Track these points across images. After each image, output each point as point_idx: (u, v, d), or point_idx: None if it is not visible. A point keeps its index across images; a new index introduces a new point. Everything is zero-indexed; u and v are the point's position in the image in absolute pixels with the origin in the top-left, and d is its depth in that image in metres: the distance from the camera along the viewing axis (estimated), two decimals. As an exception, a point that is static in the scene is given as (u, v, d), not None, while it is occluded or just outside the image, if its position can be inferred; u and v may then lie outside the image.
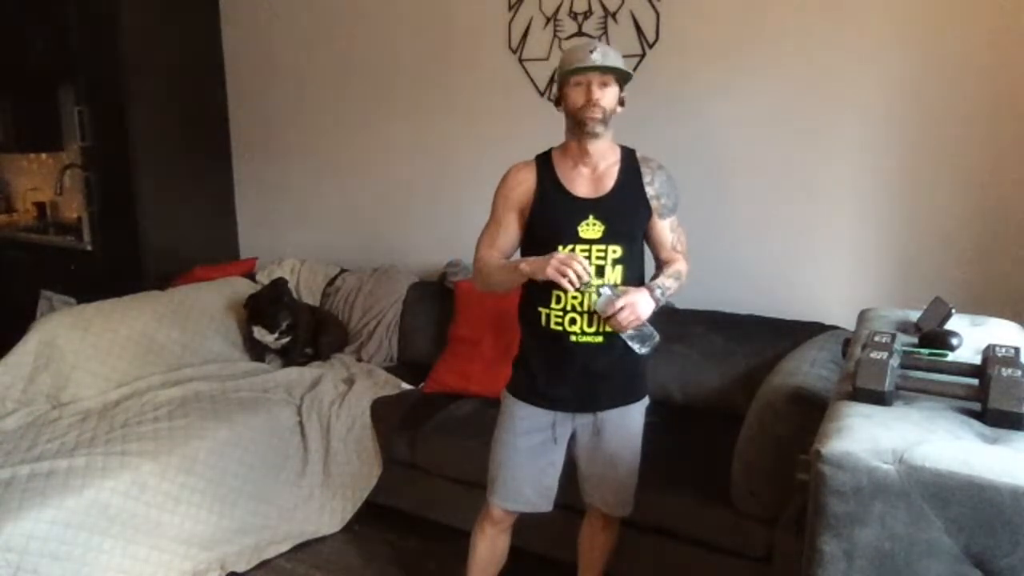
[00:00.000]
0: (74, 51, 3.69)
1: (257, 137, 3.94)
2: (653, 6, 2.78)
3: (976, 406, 1.15)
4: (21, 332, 2.82)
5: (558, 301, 1.80)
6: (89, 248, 3.90)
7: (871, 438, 1.05)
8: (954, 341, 1.39)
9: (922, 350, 1.39)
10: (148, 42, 3.58)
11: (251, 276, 3.59)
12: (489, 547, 2.03)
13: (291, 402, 2.80)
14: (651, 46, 2.81)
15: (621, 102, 1.81)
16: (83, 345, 2.78)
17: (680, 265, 1.91)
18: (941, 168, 2.43)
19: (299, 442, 2.71)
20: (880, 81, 2.47)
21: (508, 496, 1.94)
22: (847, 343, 1.59)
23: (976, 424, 1.11)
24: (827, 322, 2.54)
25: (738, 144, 2.72)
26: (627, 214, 1.82)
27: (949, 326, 1.46)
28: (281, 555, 2.56)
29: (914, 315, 1.60)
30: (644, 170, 1.85)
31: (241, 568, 2.46)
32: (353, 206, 3.69)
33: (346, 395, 2.81)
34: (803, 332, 2.48)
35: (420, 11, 3.29)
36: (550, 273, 1.67)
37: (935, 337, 1.42)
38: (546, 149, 1.90)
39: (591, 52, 1.72)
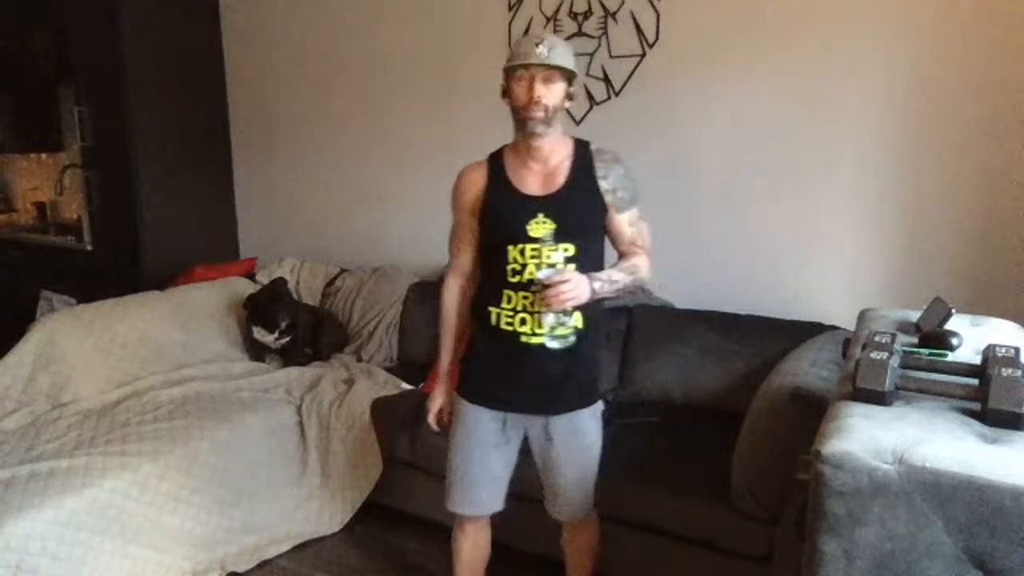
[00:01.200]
0: (74, 51, 3.70)
1: (257, 137, 3.94)
2: (653, 6, 2.78)
3: (976, 406, 1.15)
4: (21, 332, 2.82)
5: (508, 301, 1.77)
6: (89, 248, 3.91)
7: (871, 438, 1.05)
8: (954, 341, 1.39)
9: (922, 350, 1.39)
10: (148, 42, 3.59)
11: (251, 276, 3.59)
12: (471, 546, 2.03)
13: (291, 402, 2.80)
14: (651, 46, 2.81)
15: (570, 97, 1.76)
16: (83, 345, 2.78)
17: (638, 260, 1.84)
18: (941, 168, 2.43)
19: (299, 442, 2.71)
20: (881, 81, 2.47)
21: (463, 501, 1.93)
22: (847, 343, 1.59)
23: (976, 424, 1.11)
24: (827, 322, 2.54)
25: (738, 144, 2.72)
26: (579, 211, 1.77)
27: (949, 326, 1.46)
28: (281, 555, 2.57)
29: (914, 315, 1.60)
30: (598, 164, 1.79)
31: (241, 568, 2.46)
32: (353, 206, 3.69)
33: (346, 395, 2.81)
34: (803, 332, 2.48)
35: (420, 11, 3.29)
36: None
37: (935, 337, 1.42)
38: (499, 147, 1.87)
39: (537, 46, 1.67)
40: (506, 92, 1.76)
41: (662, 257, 2.91)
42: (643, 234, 1.87)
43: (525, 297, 1.74)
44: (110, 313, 2.93)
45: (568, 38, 2.95)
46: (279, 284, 3.24)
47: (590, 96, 2.95)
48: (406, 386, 2.94)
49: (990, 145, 2.36)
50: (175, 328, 3.04)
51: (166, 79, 3.69)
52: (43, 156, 4.71)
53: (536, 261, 1.72)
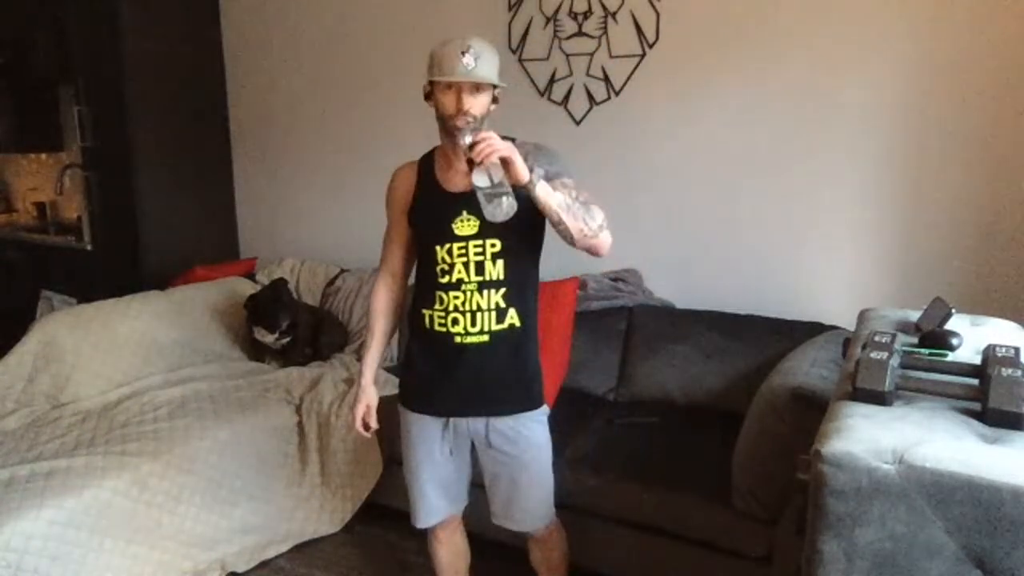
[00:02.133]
0: (74, 51, 3.69)
1: (257, 137, 3.94)
2: (653, 6, 2.78)
3: (976, 406, 1.15)
4: (21, 332, 2.82)
5: (440, 302, 1.75)
6: (89, 248, 3.90)
7: (871, 438, 1.05)
8: (954, 341, 1.39)
9: (922, 350, 1.39)
10: (148, 42, 3.58)
11: (251, 276, 3.59)
12: (448, 551, 2.03)
13: (291, 402, 2.80)
14: (651, 46, 2.81)
15: (495, 99, 1.74)
16: (83, 345, 2.78)
17: (593, 207, 1.68)
18: (941, 168, 2.44)
19: (299, 442, 2.71)
20: (881, 81, 2.47)
21: (426, 515, 1.92)
22: (847, 343, 1.59)
23: (976, 424, 1.11)
24: (827, 322, 2.54)
25: (738, 144, 2.72)
26: None
27: (949, 326, 1.46)
28: (281, 555, 2.57)
29: (914, 315, 1.60)
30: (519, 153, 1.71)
31: (241, 568, 2.46)
32: (353, 206, 3.69)
33: (346, 395, 2.81)
34: (803, 332, 2.48)
35: (420, 11, 3.29)
36: None
37: (935, 337, 1.42)
38: (430, 149, 1.86)
39: (462, 55, 1.62)
40: (429, 97, 1.74)
41: (663, 257, 2.94)
42: (590, 199, 1.70)
43: (456, 297, 1.73)
44: (110, 313, 2.93)
45: (568, 38, 2.95)
46: (279, 285, 3.23)
47: (590, 96, 2.95)
48: (406, 386, 2.93)
49: (990, 145, 2.36)
50: (175, 328, 3.04)
51: (166, 79, 3.68)
52: (43, 156, 4.70)
53: (463, 260, 1.71)
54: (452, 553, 2.04)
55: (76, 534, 2.07)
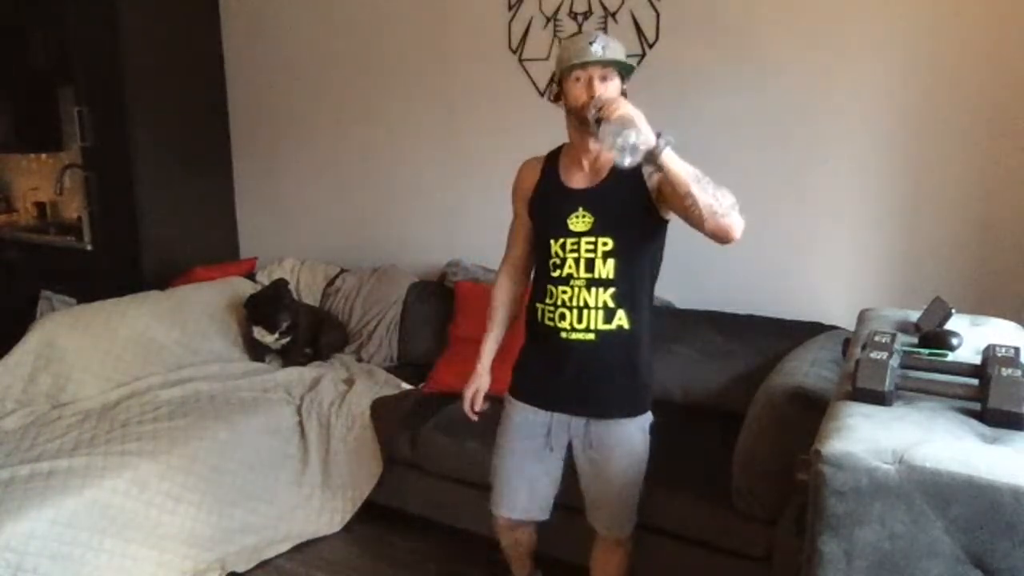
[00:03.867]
0: (74, 51, 3.69)
1: (257, 137, 3.94)
2: (653, 6, 2.78)
3: (976, 406, 1.15)
4: (21, 332, 2.81)
5: (550, 296, 1.78)
6: (89, 248, 3.90)
7: (871, 438, 1.05)
8: (954, 341, 1.39)
9: (922, 350, 1.39)
10: (148, 42, 3.58)
11: (251, 276, 3.58)
12: (511, 544, 2.07)
13: (291, 402, 2.80)
14: (651, 46, 2.81)
15: (623, 94, 1.74)
16: (83, 345, 2.78)
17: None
18: (941, 168, 2.43)
19: (299, 442, 2.70)
20: (881, 82, 2.47)
21: (503, 504, 1.93)
22: (847, 343, 1.59)
23: (976, 424, 1.11)
24: (827, 322, 2.54)
25: (738, 144, 2.72)
26: (619, 203, 1.74)
27: (949, 326, 1.46)
28: (281, 555, 2.56)
29: (914, 315, 1.60)
30: None
31: (241, 568, 2.46)
32: (353, 206, 3.69)
33: (346, 395, 2.81)
34: (803, 332, 2.48)
35: (420, 11, 3.29)
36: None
37: (935, 337, 1.42)
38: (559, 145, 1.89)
39: (591, 44, 1.66)
40: (559, 95, 1.76)
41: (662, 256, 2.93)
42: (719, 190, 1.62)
43: (564, 292, 1.75)
44: (110, 313, 2.93)
45: (568, 38, 2.95)
46: (280, 285, 3.24)
47: (590, 96, 2.95)
48: (406, 386, 2.94)
49: (990, 145, 2.36)
50: (175, 328, 3.04)
51: (166, 79, 3.68)
52: (43, 156, 4.70)
53: (575, 255, 1.73)
54: (512, 546, 2.07)
55: (76, 534, 2.07)
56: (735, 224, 1.60)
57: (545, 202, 1.83)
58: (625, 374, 1.80)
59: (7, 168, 4.96)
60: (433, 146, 3.38)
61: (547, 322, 1.79)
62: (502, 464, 1.92)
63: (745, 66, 2.66)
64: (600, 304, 1.73)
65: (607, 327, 1.75)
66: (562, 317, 1.76)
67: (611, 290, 1.73)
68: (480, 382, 1.98)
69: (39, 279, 4.09)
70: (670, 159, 1.55)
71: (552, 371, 1.81)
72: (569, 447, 1.88)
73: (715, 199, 1.57)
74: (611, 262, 1.73)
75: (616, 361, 1.78)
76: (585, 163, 1.79)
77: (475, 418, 1.99)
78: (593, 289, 1.73)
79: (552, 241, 1.77)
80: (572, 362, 1.77)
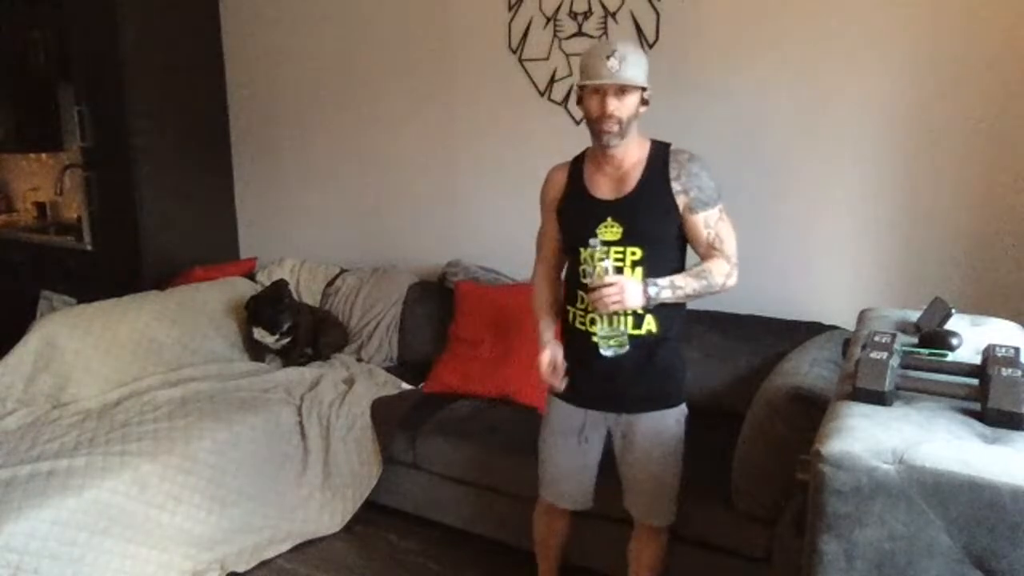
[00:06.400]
0: (74, 51, 3.70)
1: (257, 137, 3.94)
2: (653, 6, 2.78)
3: (976, 406, 1.15)
4: (21, 332, 2.81)
5: (581, 301, 1.82)
6: (89, 248, 3.91)
7: (871, 438, 1.05)
8: (954, 341, 1.39)
9: (922, 350, 1.39)
10: (148, 42, 3.58)
11: (251, 276, 3.59)
12: (545, 527, 2.10)
13: (291, 402, 2.80)
14: (651, 46, 2.81)
15: (644, 102, 1.78)
16: (83, 345, 2.78)
17: (712, 264, 1.81)
18: (941, 168, 2.43)
19: (299, 442, 2.70)
20: (882, 81, 2.47)
21: (550, 491, 2.00)
22: (847, 343, 1.59)
23: (976, 424, 1.11)
24: (827, 322, 2.54)
25: (738, 144, 2.72)
26: (648, 214, 1.78)
27: (949, 326, 1.46)
28: (281, 555, 2.56)
29: (914, 315, 1.60)
30: (672, 164, 1.79)
31: (241, 568, 2.46)
32: (353, 206, 3.69)
33: (346, 395, 2.81)
34: (803, 332, 2.48)
35: (420, 11, 3.29)
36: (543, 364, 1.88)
37: (935, 337, 1.42)
38: (583, 150, 1.91)
39: (607, 59, 1.67)
40: (580, 101, 1.79)
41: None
42: (722, 236, 1.84)
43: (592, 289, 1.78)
44: (110, 313, 2.93)
45: (568, 38, 2.95)
46: (280, 286, 3.24)
47: (590, 96, 2.95)
48: (406, 386, 2.94)
49: (990, 145, 2.36)
50: (175, 328, 3.04)
51: (166, 79, 3.68)
52: (43, 156, 4.71)
53: (603, 265, 1.74)
54: (546, 529, 2.10)
55: (76, 534, 2.07)
56: (730, 287, 1.86)
57: (573, 212, 1.85)
58: (655, 377, 1.86)
59: (7, 168, 4.96)
60: (433, 146, 3.37)
61: (578, 325, 1.84)
62: (547, 456, 1.98)
63: (744, 67, 2.66)
64: (629, 310, 1.75)
65: (636, 332, 1.79)
66: (592, 322, 1.80)
67: None
68: (551, 349, 1.89)
69: (39, 279, 4.09)
70: (666, 298, 1.74)
71: (584, 371, 1.87)
72: (609, 435, 1.94)
73: (711, 289, 1.80)
74: (639, 270, 1.77)
75: (646, 365, 1.83)
76: (610, 170, 1.82)
77: (561, 386, 1.90)
78: None
79: (582, 249, 1.79)
80: (602, 364, 1.80)
